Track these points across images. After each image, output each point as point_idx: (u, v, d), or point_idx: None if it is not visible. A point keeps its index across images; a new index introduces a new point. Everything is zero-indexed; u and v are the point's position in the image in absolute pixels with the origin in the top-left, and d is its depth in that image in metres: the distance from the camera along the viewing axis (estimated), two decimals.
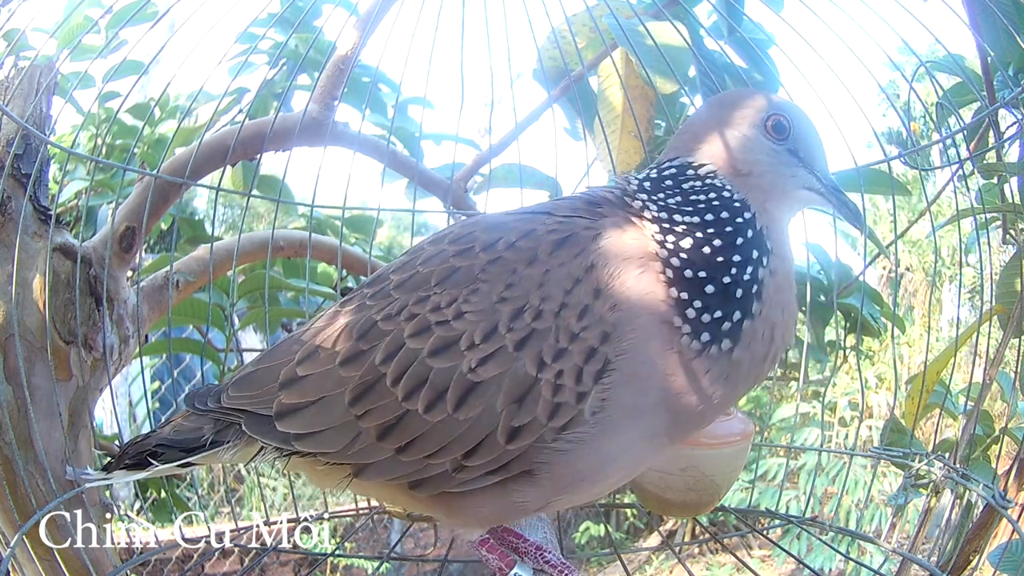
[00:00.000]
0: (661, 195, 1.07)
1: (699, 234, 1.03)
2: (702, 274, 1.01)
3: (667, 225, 1.04)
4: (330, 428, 1.05)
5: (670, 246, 1.02)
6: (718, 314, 1.00)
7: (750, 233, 1.04)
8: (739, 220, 1.05)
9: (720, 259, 1.02)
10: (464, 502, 1.07)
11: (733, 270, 1.02)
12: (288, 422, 1.07)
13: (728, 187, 1.07)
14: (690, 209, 1.05)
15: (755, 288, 1.02)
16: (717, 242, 1.03)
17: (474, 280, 1.04)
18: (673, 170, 1.10)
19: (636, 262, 1.01)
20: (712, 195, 1.06)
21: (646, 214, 1.06)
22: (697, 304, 1.00)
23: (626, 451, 1.04)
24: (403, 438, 1.02)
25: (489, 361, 0.99)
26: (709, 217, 1.04)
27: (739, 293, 1.01)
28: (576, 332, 0.98)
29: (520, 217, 1.11)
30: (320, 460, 1.10)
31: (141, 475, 1.21)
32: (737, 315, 1.01)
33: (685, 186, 1.08)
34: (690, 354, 0.99)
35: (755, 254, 1.03)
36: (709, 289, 1.00)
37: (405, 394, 1.01)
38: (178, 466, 1.18)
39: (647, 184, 1.10)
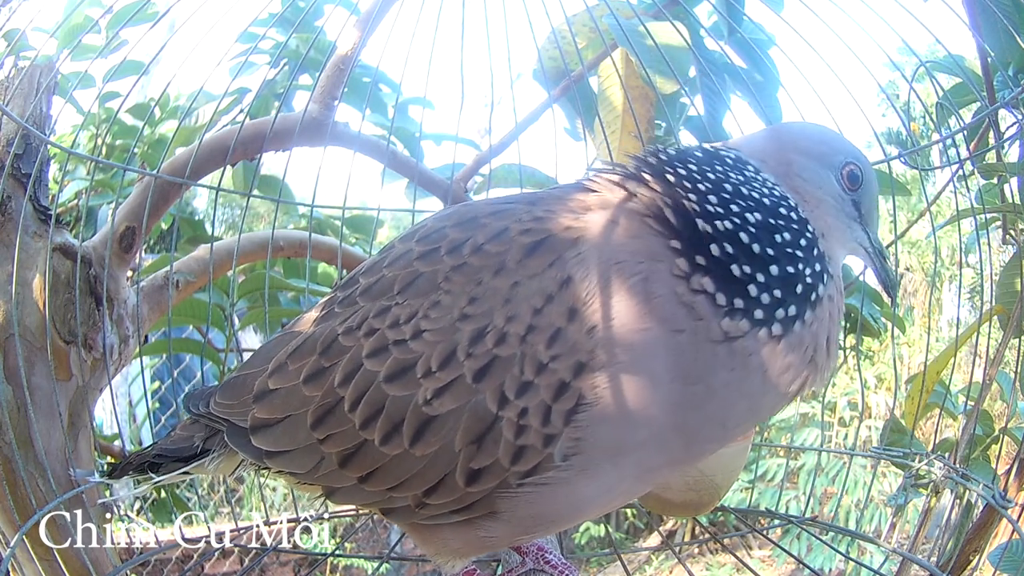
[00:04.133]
0: (718, 167, 0.95)
1: (772, 220, 0.91)
2: (771, 252, 0.89)
3: (716, 198, 0.91)
4: (297, 449, 0.98)
5: (729, 219, 0.89)
6: (778, 294, 0.88)
7: (815, 251, 0.94)
8: (807, 231, 0.94)
9: (790, 249, 0.91)
10: (432, 534, 1.00)
11: (799, 264, 0.90)
12: (261, 438, 1.01)
13: (791, 200, 0.96)
14: (751, 190, 0.94)
15: (813, 295, 0.91)
16: (787, 235, 0.91)
17: (436, 289, 0.92)
18: (732, 156, 0.99)
19: (629, 269, 0.86)
20: (777, 193, 0.95)
21: (681, 186, 0.92)
22: (761, 278, 0.87)
23: (607, 492, 0.92)
24: (363, 468, 0.94)
25: (446, 393, 0.87)
26: (782, 210, 0.93)
27: (800, 288, 0.90)
28: (544, 362, 0.84)
29: (497, 209, 0.97)
30: (292, 478, 1.04)
31: (141, 488, 1.20)
32: (793, 309, 0.89)
33: (747, 173, 0.97)
34: (736, 331, 0.86)
35: (818, 267, 0.93)
36: (774, 270, 0.88)
37: (362, 422, 0.92)
38: (176, 476, 1.17)
39: (696, 155, 0.98)
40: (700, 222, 0.89)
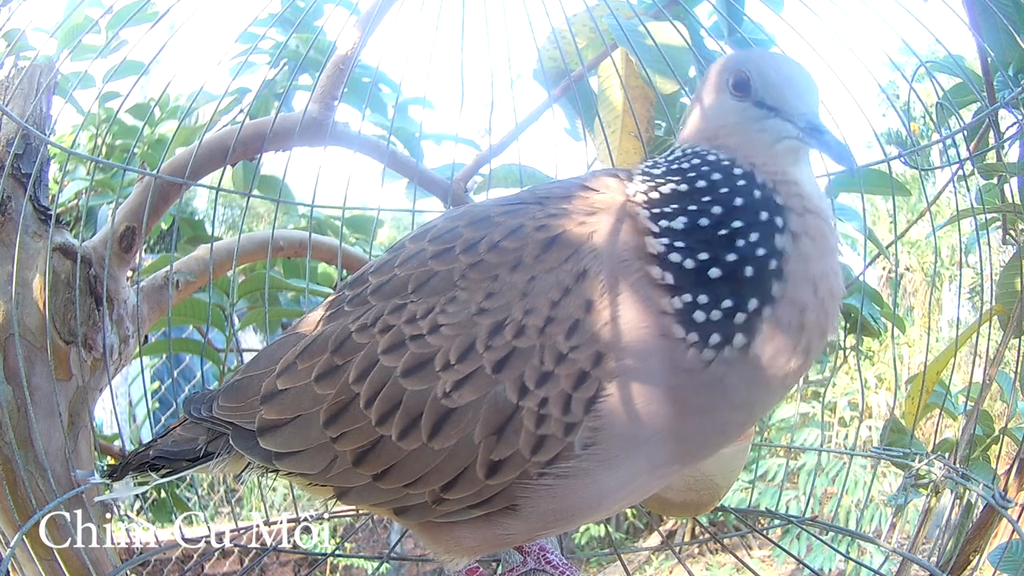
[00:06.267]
0: (660, 178, 0.95)
1: (693, 207, 0.89)
2: (703, 256, 0.86)
3: (658, 209, 0.90)
4: (308, 449, 0.98)
5: (665, 236, 0.88)
6: (728, 304, 0.84)
7: (757, 193, 0.88)
8: (735, 177, 0.90)
9: (723, 232, 0.87)
10: (448, 532, 0.99)
11: (740, 241, 0.86)
12: (269, 439, 1.00)
13: (712, 152, 0.94)
14: (678, 179, 0.92)
15: (773, 262, 0.85)
16: (716, 209, 0.88)
17: (452, 287, 0.92)
18: (672, 155, 0.99)
19: (633, 265, 0.88)
20: (696, 161, 0.93)
21: (638, 198, 0.93)
22: (703, 299, 0.85)
23: (625, 485, 0.92)
24: (379, 465, 0.93)
25: (465, 385, 0.88)
26: (701, 184, 0.90)
27: (750, 271, 0.85)
28: (564, 352, 0.85)
29: (509, 208, 0.98)
30: (303, 480, 1.04)
31: (142, 488, 1.20)
32: (753, 303, 0.84)
33: (674, 166, 0.95)
34: (699, 366, 0.85)
35: (764, 215, 0.87)
36: (714, 273, 0.85)
37: (378, 418, 0.92)
38: (176, 477, 1.17)
39: (653, 170, 0.97)
40: (647, 240, 0.89)
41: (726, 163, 0.92)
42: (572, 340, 0.85)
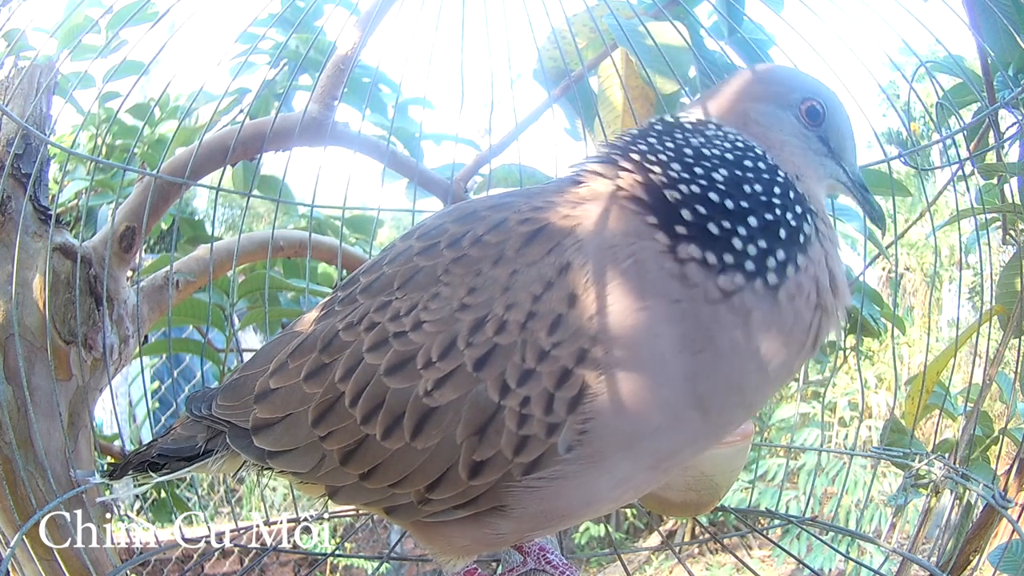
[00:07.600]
0: (677, 135, 0.96)
1: (738, 171, 0.91)
2: (744, 204, 0.88)
3: (679, 164, 0.91)
4: (298, 448, 0.97)
5: (697, 183, 0.89)
6: (763, 244, 0.87)
7: (792, 193, 0.92)
8: (778, 176, 0.93)
9: (764, 198, 0.90)
10: (438, 532, 0.98)
11: (777, 211, 0.89)
12: (262, 438, 1.00)
13: (760, 148, 0.96)
14: (713, 149, 0.93)
15: (801, 237, 0.90)
16: (757, 187, 0.90)
17: (436, 283, 0.91)
18: (692, 120, 0.99)
19: (626, 248, 0.86)
20: (741, 145, 0.95)
21: (645, 161, 0.93)
22: (742, 231, 0.86)
23: (620, 485, 0.90)
24: (364, 465, 0.93)
25: (446, 383, 0.86)
26: (747, 163, 0.92)
27: (783, 234, 0.88)
28: (546, 349, 0.83)
29: (495, 204, 0.98)
30: (295, 478, 1.04)
31: (142, 488, 1.21)
32: (782, 254, 0.87)
33: (708, 132, 0.96)
34: (731, 287, 0.84)
35: (799, 208, 0.91)
36: (752, 221, 0.87)
37: (363, 417, 0.91)
38: (177, 475, 1.17)
39: (656, 128, 0.98)
40: (668, 192, 0.89)
41: (772, 163, 0.95)
42: (554, 336, 0.84)
